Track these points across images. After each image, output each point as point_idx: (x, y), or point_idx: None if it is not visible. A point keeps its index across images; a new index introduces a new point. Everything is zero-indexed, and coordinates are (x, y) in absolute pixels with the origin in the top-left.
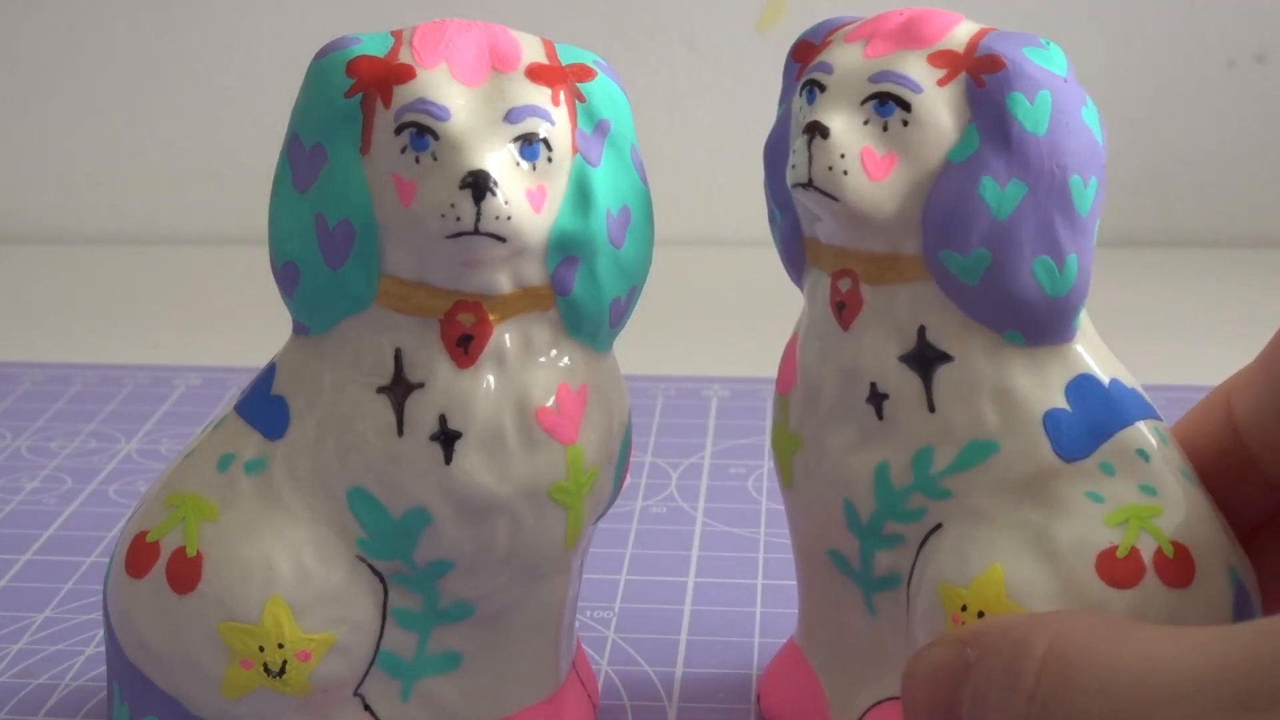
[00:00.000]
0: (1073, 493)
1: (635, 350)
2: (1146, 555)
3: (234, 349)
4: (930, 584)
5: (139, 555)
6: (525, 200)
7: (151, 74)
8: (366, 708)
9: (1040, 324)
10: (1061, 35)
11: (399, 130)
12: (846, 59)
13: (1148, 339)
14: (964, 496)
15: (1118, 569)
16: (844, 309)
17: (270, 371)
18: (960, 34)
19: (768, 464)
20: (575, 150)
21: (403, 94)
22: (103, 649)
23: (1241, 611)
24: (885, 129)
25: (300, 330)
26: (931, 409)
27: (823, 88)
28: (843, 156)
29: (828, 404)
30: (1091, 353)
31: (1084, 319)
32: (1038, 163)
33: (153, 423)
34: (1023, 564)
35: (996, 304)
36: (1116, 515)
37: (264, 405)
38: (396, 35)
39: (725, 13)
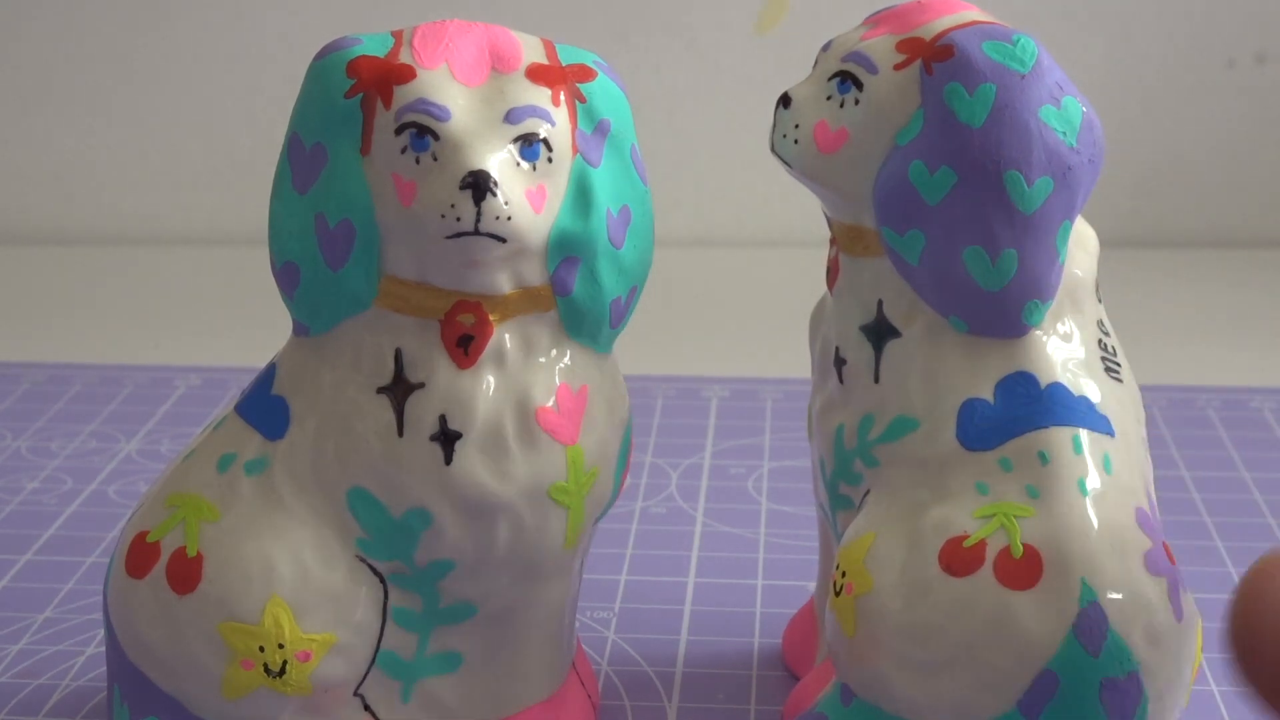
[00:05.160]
0: (964, 480)
1: (635, 350)
2: (991, 551)
3: (234, 349)
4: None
5: (139, 555)
6: (525, 200)
7: (152, 74)
8: (366, 708)
9: (979, 313)
10: (1061, 35)
11: (399, 130)
12: (845, 39)
13: (1148, 339)
14: (886, 467)
15: (957, 556)
16: (830, 274)
17: (270, 372)
18: (942, 23)
19: (768, 464)
20: (575, 151)
21: (403, 94)
22: (103, 649)
23: (1082, 628)
24: (842, 105)
25: (300, 331)
26: (876, 379)
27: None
28: (796, 127)
29: (816, 363)
30: (1042, 352)
31: (1072, 321)
32: (969, 154)
33: (153, 423)
34: (889, 535)
35: (935, 286)
36: (987, 509)
37: (264, 406)
38: (397, 35)
39: (725, 13)
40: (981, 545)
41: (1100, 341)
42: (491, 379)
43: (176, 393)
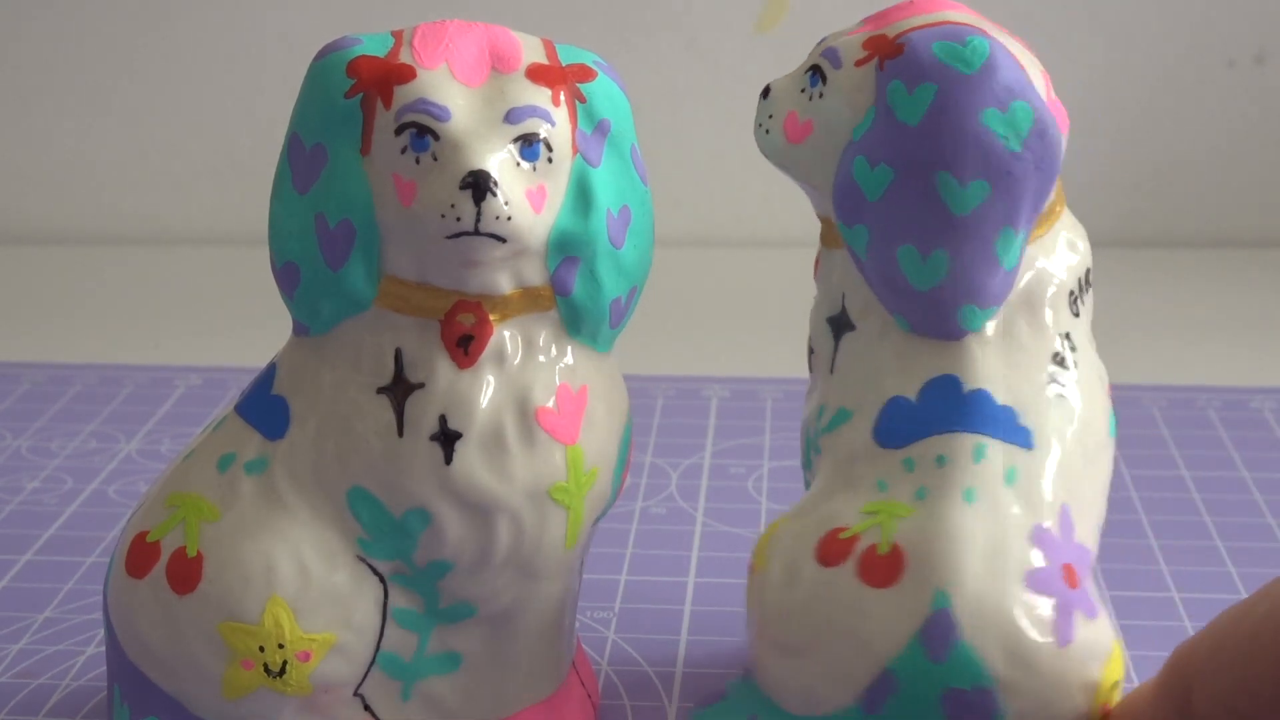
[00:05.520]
0: (870, 476)
1: (635, 350)
2: (861, 546)
3: (234, 349)
4: None
5: (139, 555)
6: (525, 200)
7: (152, 74)
8: (367, 708)
9: (915, 313)
10: (1061, 35)
11: (399, 130)
12: (834, 36)
13: (1148, 339)
14: (825, 456)
15: (830, 548)
16: (816, 265)
17: (270, 372)
18: (913, 21)
19: (768, 464)
20: (575, 151)
21: (403, 94)
22: (103, 649)
23: (927, 632)
24: (811, 99)
25: (300, 331)
26: (832, 371)
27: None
28: (770, 116)
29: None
30: (975, 357)
31: (1025, 330)
32: (905, 151)
33: (153, 423)
34: (791, 522)
35: (879, 283)
36: (874, 505)
37: (264, 405)
38: (397, 35)
39: (725, 13)
40: (854, 539)
41: (1056, 354)
42: (491, 379)
43: (176, 393)
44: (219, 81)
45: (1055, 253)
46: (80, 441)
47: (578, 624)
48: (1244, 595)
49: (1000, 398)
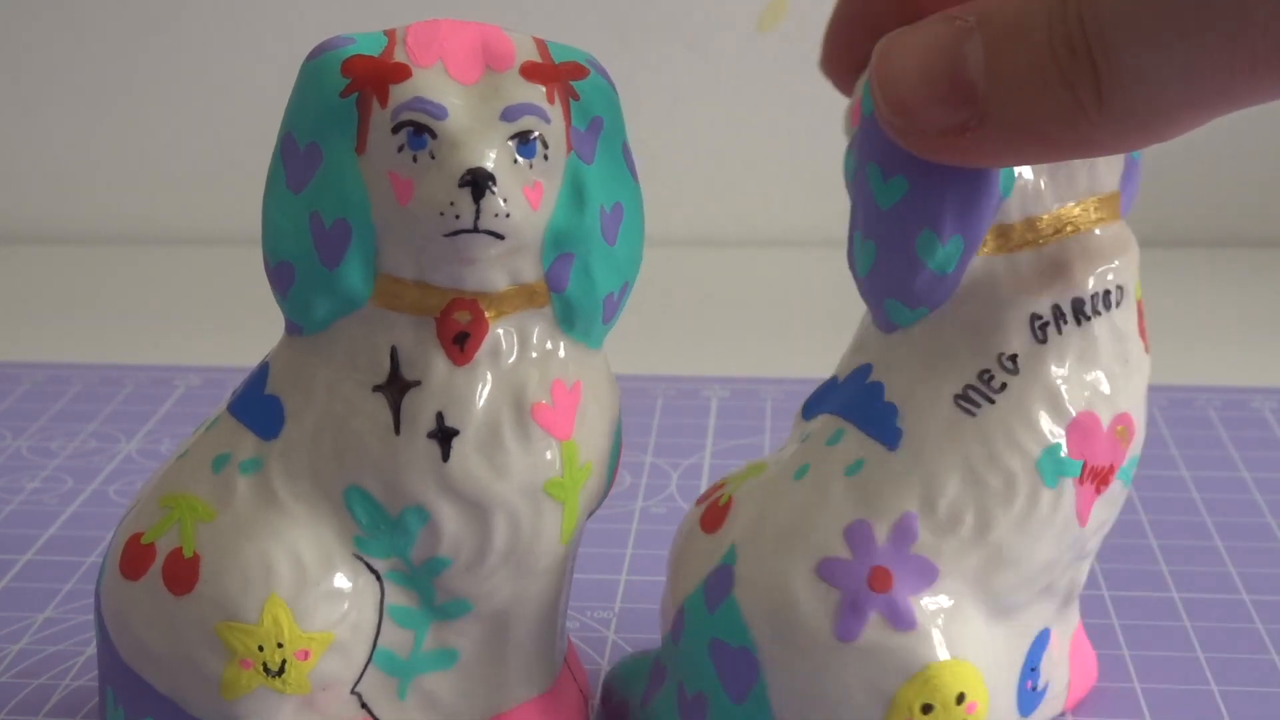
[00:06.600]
0: (789, 443)
1: (635, 350)
2: (716, 495)
3: (234, 349)
4: None
5: (134, 557)
6: (523, 198)
7: (151, 74)
8: (364, 706)
9: (865, 297)
10: None
11: (396, 129)
12: None
13: (1148, 339)
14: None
15: (706, 494)
16: None
17: (263, 371)
18: None
19: None
20: (570, 148)
21: (399, 93)
22: None
23: (710, 582)
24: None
25: (293, 330)
26: None
27: None
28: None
29: None
30: (892, 352)
31: (958, 342)
32: (861, 142)
33: (153, 423)
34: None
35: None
36: (755, 463)
37: (258, 405)
38: (390, 34)
39: (725, 13)
40: (719, 487)
41: (984, 372)
42: (488, 376)
43: (176, 393)
44: (218, 81)
45: (1025, 270)
46: (80, 441)
47: (576, 624)
48: (1244, 596)
49: (890, 394)
